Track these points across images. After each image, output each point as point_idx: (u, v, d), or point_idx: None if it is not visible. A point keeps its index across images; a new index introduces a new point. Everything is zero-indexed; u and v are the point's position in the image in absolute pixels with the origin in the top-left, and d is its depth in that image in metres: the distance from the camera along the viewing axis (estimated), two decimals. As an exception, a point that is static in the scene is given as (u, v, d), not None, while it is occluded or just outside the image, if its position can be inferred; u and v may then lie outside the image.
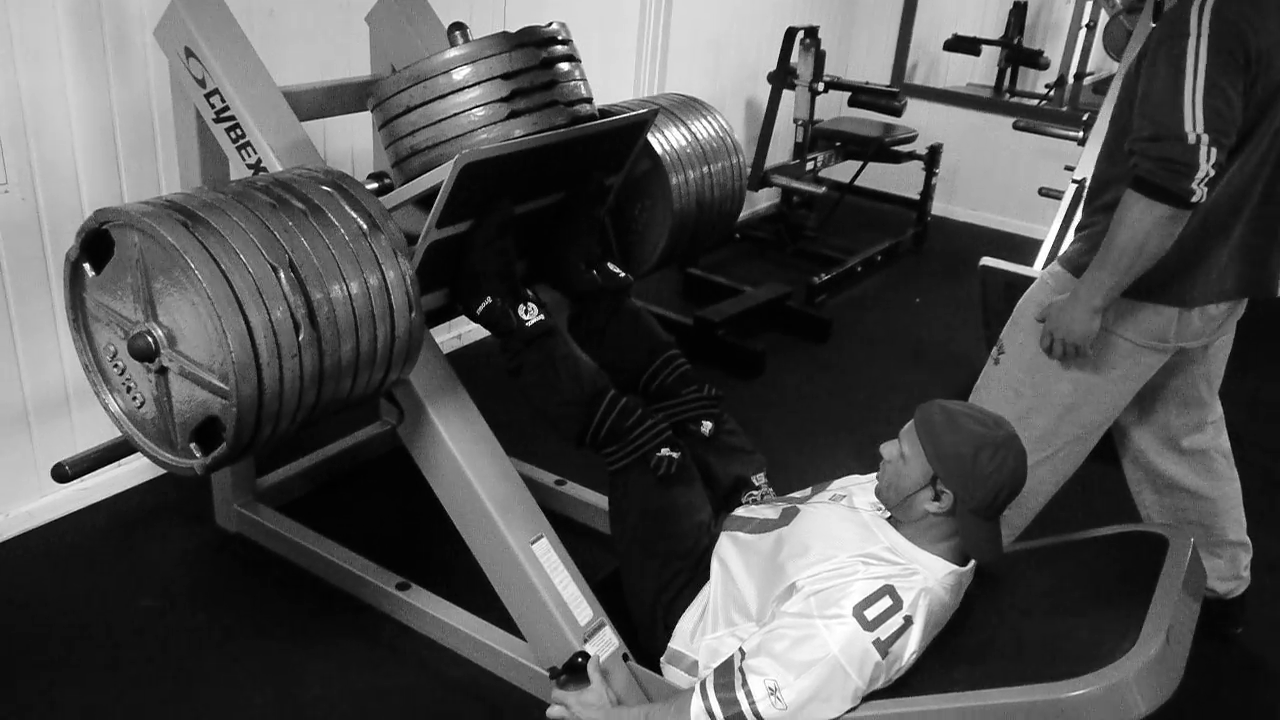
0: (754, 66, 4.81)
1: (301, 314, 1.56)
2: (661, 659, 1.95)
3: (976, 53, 5.93)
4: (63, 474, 1.91)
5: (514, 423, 2.25)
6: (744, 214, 5.13)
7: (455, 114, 1.88)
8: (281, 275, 1.55)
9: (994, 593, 1.81)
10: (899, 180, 5.27)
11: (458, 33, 2.03)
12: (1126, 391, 2.06)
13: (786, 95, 4.52)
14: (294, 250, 1.58)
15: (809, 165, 4.62)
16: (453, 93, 1.88)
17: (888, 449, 1.72)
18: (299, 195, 1.66)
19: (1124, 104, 1.87)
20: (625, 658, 1.98)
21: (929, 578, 1.63)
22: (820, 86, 4.37)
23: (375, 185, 2.55)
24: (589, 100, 2.04)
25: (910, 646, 1.58)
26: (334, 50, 2.77)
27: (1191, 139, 1.67)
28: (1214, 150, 1.68)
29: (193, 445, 1.64)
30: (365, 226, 1.69)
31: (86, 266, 1.65)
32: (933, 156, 4.93)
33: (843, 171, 5.02)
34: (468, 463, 1.97)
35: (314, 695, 2.05)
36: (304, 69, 2.69)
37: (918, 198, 5.08)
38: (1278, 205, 1.93)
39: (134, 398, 1.70)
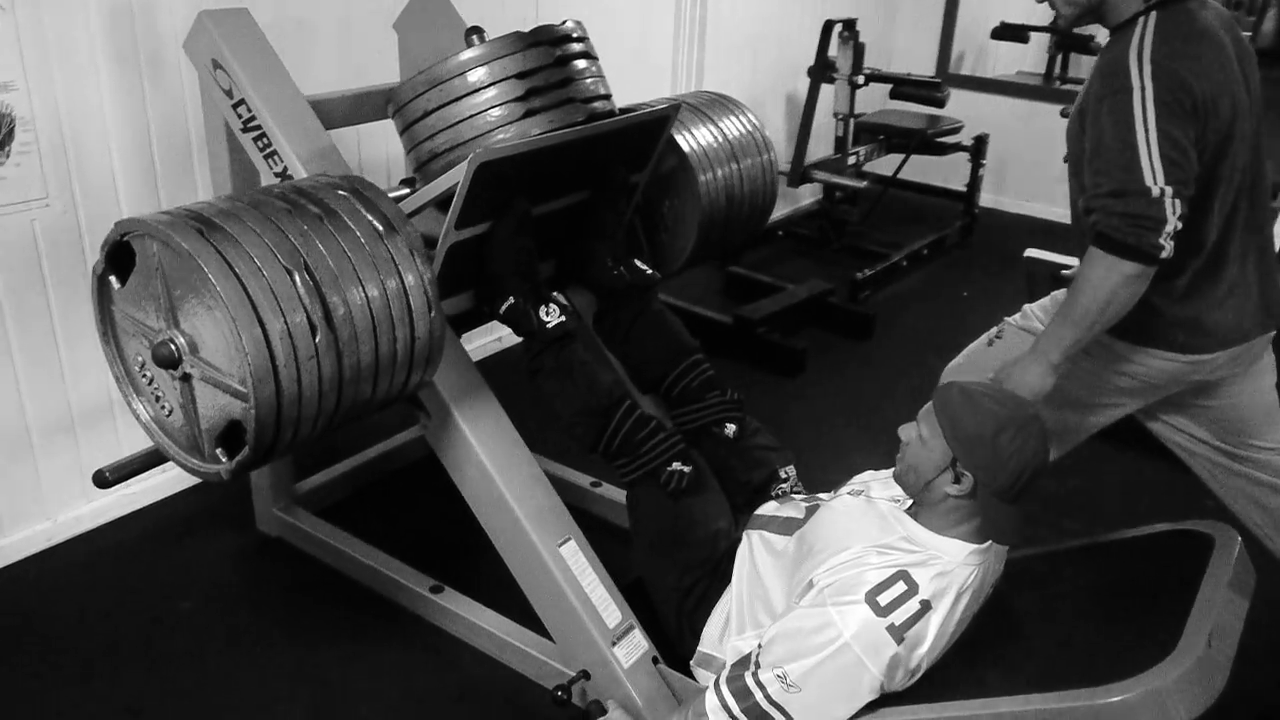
0: (794, 62, 4.76)
1: (318, 317, 1.57)
2: (691, 662, 1.93)
3: (1025, 40, 5.81)
4: (103, 480, 1.94)
5: (551, 424, 2.24)
6: (787, 211, 5.10)
7: (471, 115, 1.89)
8: (297, 279, 1.56)
9: (1032, 594, 1.76)
10: (947, 172, 5.17)
11: (474, 35, 2.03)
12: (1110, 415, 2.03)
13: (826, 89, 4.47)
14: (309, 254, 1.59)
15: (850, 160, 4.55)
16: (468, 94, 1.88)
17: (906, 431, 1.68)
18: (315, 200, 1.68)
19: (1075, 159, 1.83)
20: (655, 661, 1.96)
21: (950, 563, 1.58)
22: (860, 79, 4.31)
23: (406, 191, 2.58)
24: (606, 97, 2.03)
25: (929, 633, 1.53)
26: (365, 58, 2.79)
27: (1155, 192, 1.63)
28: (1177, 202, 1.64)
29: (219, 451, 1.66)
30: (381, 229, 1.69)
31: (112, 279, 1.68)
32: (978, 147, 4.83)
33: (888, 165, 4.93)
34: (494, 465, 1.96)
35: (346, 696, 2.07)
36: (335, 77, 2.71)
37: (965, 190, 4.98)
38: (1260, 234, 1.88)
39: (162, 406, 1.73)
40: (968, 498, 1.58)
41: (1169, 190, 1.63)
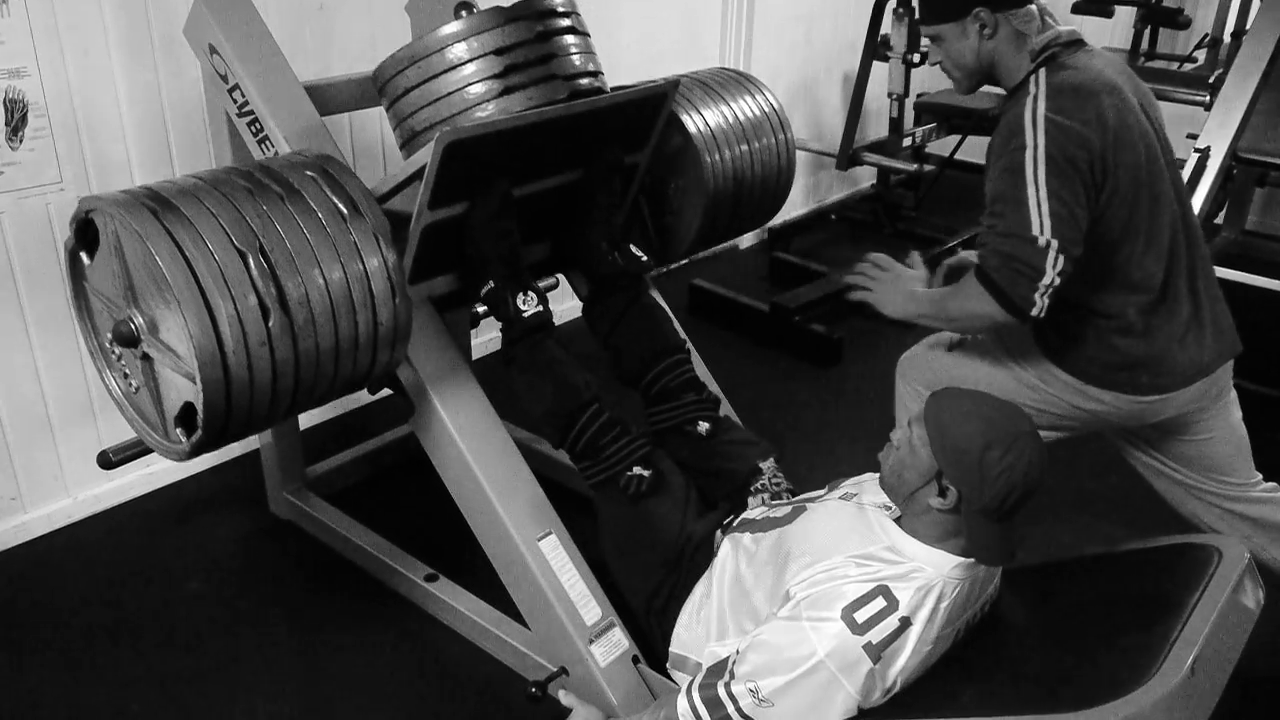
0: (851, 39, 4.59)
1: (272, 300, 1.55)
2: (667, 664, 1.87)
3: (1109, 14, 5.49)
4: (107, 461, 1.97)
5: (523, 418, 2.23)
6: (844, 194, 4.94)
7: (450, 92, 1.85)
8: (250, 261, 1.54)
9: (1023, 608, 1.65)
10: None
11: (463, 10, 1.99)
12: (1062, 434, 1.97)
13: (881, 68, 4.29)
14: (266, 236, 1.57)
15: (906, 141, 4.37)
16: (446, 71, 1.84)
17: (898, 434, 1.59)
18: (279, 179, 1.66)
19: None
20: (635, 660, 1.91)
21: (933, 576, 1.49)
22: (915, 58, 4.13)
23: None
24: (594, 74, 1.96)
25: (906, 650, 1.45)
26: (385, 42, 2.77)
27: (1041, 242, 1.64)
28: (1061, 258, 1.64)
29: (179, 430, 1.67)
30: (345, 211, 1.67)
31: (83, 255, 1.70)
32: (1047, 128, 4.58)
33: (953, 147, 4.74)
34: (473, 454, 1.93)
35: (335, 678, 2.08)
36: (356, 62, 2.71)
37: (1032, 172, 4.74)
38: (1204, 263, 1.86)
39: (130, 383, 1.75)
40: (952, 512, 1.49)
41: (1055, 243, 1.63)
